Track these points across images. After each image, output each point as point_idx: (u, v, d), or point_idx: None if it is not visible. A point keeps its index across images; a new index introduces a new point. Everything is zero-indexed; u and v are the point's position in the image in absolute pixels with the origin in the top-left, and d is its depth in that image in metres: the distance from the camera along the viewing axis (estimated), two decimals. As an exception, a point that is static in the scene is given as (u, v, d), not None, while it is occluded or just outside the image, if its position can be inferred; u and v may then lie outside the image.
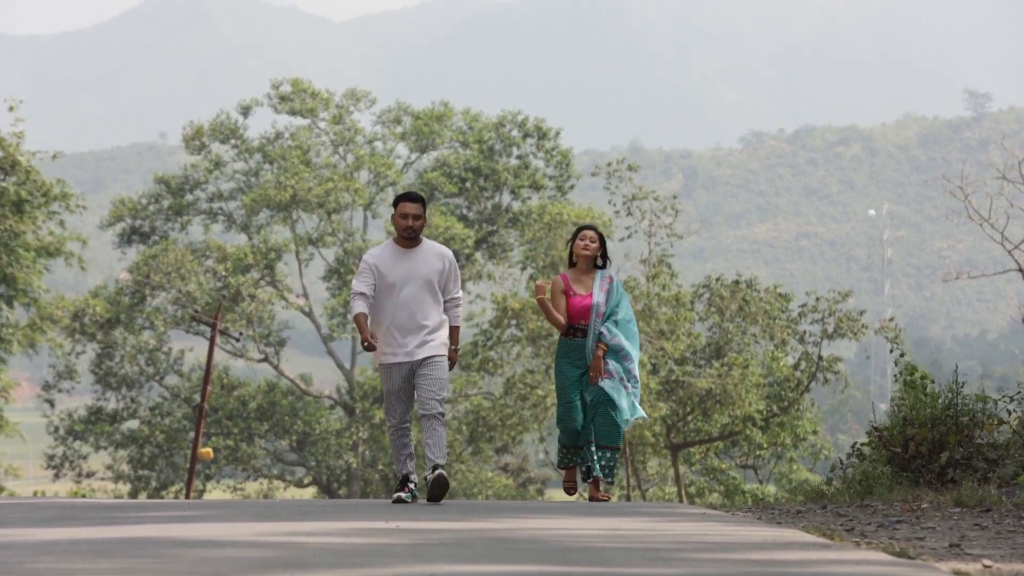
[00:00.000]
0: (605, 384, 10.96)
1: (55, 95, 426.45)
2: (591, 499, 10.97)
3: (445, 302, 9.79)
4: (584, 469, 11.11)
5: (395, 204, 9.77)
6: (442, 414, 9.64)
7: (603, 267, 11.21)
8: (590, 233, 11.19)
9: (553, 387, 31.27)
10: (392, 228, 9.95)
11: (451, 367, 9.76)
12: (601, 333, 11.02)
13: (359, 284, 9.61)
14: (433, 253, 9.77)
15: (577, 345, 11.06)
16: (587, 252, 11.09)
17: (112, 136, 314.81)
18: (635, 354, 11.15)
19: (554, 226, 38.58)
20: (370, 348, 9.55)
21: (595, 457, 11.00)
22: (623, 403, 10.98)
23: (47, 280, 33.27)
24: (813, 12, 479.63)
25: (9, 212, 30.71)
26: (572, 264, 11.24)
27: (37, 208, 31.01)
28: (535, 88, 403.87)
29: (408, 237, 9.63)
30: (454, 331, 9.86)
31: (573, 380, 11.02)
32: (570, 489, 11.42)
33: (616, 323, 11.09)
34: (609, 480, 11.03)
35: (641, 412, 11.16)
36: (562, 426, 11.09)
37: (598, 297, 11.05)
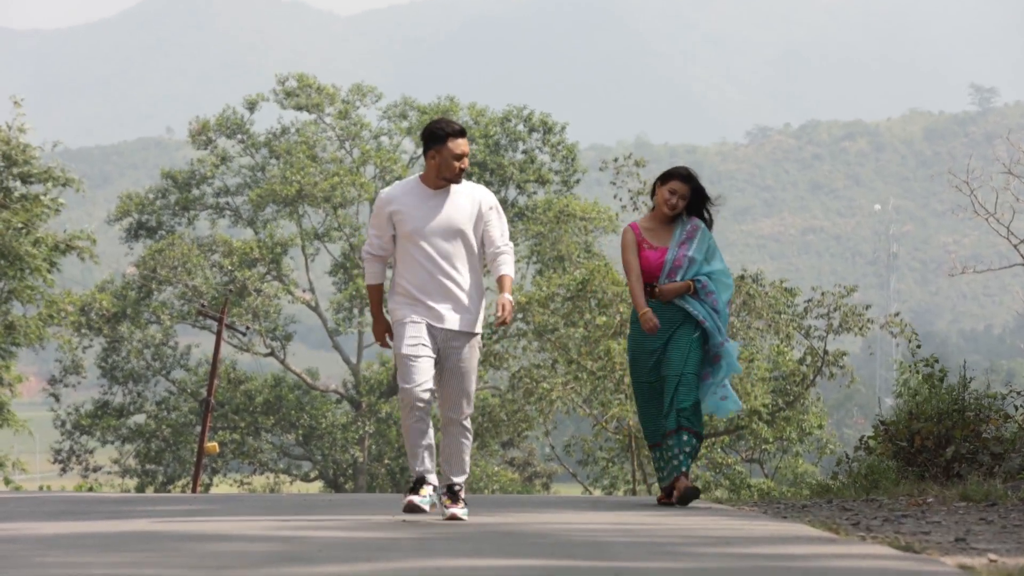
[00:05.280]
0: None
1: (61, 91, 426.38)
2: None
3: (488, 254, 7.55)
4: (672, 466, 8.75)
5: (435, 140, 7.42)
6: (469, 418, 7.54)
7: (707, 221, 8.90)
8: (681, 188, 8.75)
9: (560, 382, 31.24)
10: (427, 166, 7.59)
11: (505, 322, 7.40)
12: (698, 281, 8.81)
13: (371, 241, 7.55)
14: (467, 196, 7.49)
15: (653, 308, 8.80)
16: (668, 211, 8.80)
17: (118, 132, 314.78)
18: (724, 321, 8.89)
19: (560, 220, 38.55)
20: (383, 343, 7.57)
21: (678, 448, 8.71)
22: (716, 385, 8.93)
23: (54, 274, 33.18)
24: (816, 10, 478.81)
25: (17, 200, 30.60)
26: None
27: (40, 196, 30.84)
28: (540, 84, 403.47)
29: (458, 183, 7.48)
30: (504, 279, 7.57)
31: (650, 352, 8.79)
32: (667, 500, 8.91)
33: (709, 276, 8.85)
34: (683, 472, 8.70)
35: (734, 405, 8.88)
36: (641, 421, 8.92)
37: (672, 253, 8.80)
